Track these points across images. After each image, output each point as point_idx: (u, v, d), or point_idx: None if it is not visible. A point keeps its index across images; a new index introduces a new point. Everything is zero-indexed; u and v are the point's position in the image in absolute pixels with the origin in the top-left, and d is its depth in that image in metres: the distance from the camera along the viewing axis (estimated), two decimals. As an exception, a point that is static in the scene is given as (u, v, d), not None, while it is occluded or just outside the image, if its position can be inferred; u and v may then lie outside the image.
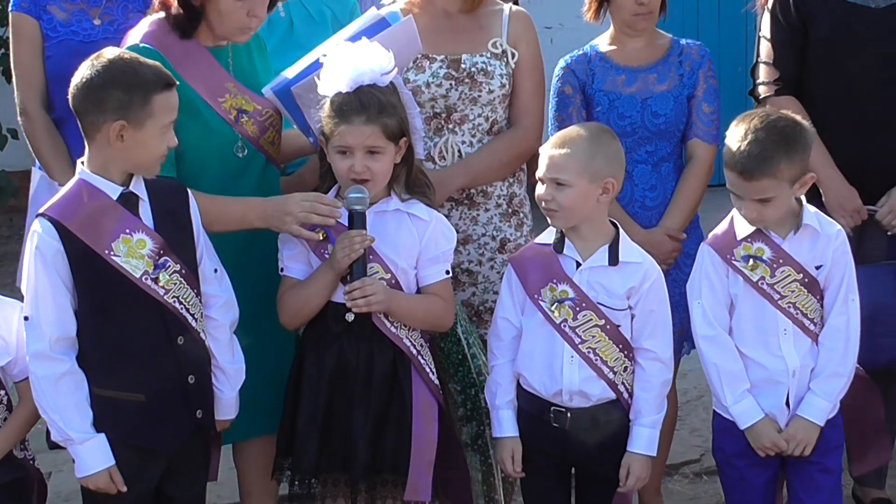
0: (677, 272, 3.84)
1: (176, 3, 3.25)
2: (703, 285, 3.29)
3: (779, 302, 3.22)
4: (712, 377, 3.29)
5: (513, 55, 3.67)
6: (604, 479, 3.30)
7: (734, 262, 3.24)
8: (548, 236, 3.30)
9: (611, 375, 3.22)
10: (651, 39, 3.84)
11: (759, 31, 3.92)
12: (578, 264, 3.23)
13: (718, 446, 3.39)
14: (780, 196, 3.16)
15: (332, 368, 3.19)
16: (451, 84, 3.63)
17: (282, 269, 3.25)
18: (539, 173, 3.25)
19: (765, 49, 3.88)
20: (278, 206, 3.19)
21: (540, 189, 3.23)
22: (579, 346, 3.20)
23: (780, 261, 3.21)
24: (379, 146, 3.15)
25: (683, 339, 3.94)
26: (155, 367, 3.00)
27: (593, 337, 3.21)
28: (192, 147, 3.23)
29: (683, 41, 3.89)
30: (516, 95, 3.68)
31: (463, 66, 3.63)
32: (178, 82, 3.03)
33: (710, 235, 3.34)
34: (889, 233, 3.67)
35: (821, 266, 3.23)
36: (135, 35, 3.29)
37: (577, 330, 3.20)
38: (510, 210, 3.74)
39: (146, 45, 3.22)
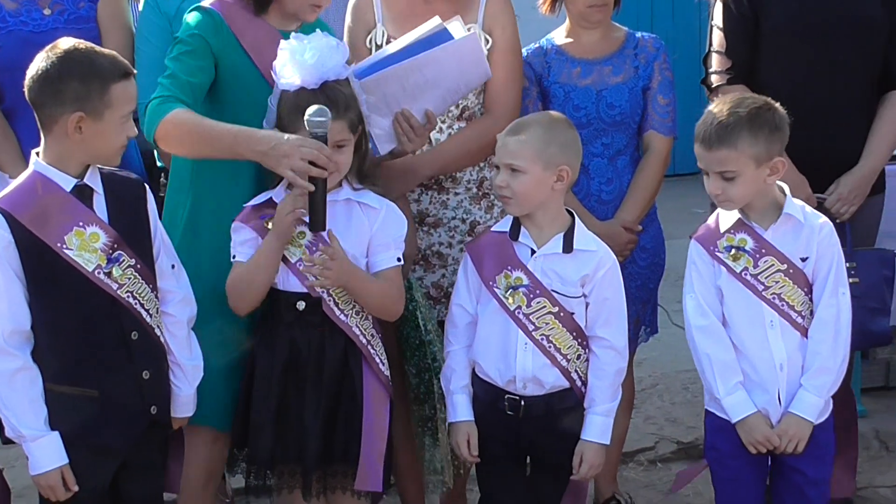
0: (633, 265, 3.86)
1: None
2: (693, 278, 3.28)
3: (763, 293, 3.19)
4: (704, 368, 3.26)
5: (487, 40, 3.62)
6: (558, 467, 3.31)
7: (717, 254, 3.23)
8: (505, 224, 3.31)
9: (564, 363, 3.24)
10: (606, 32, 3.85)
11: (712, 20, 3.94)
12: (533, 251, 3.24)
13: (711, 445, 3.34)
14: (743, 174, 3.14)
15: (285, 358, 3.18)
16: None
17: (233, 257, 3.23)
18: (495, 159, 3.26)
19: (717, 38, 3.89)
20: (274, 145, 3.04)
21: (495, 175, 3.25)
22: (533, 333, 3.21)
23: (763, 251, 3.19)
24: (345, 139, 3.16)
25: (640, 327, 3.97)
26: (109, 362, 2.97)
27: (547, 324, 3.22)
28: (243, 117, 3.20)
29: (639, 34, 3.91)
30: (490, 81, 3.61)
31: None
32: (135, 72, 3.01)
33: (697, 230, 3.32)
34: (837, 220, 3.71)
35: (806, 258, 3.20)
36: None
37: (530, 317, 3.21)
38: (480, 193, 3.71)
39: (211, 8, 3.25)
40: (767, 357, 3.20)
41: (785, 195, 3.25)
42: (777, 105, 3.23)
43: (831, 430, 3.28)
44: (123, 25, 3.80)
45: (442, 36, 3.38)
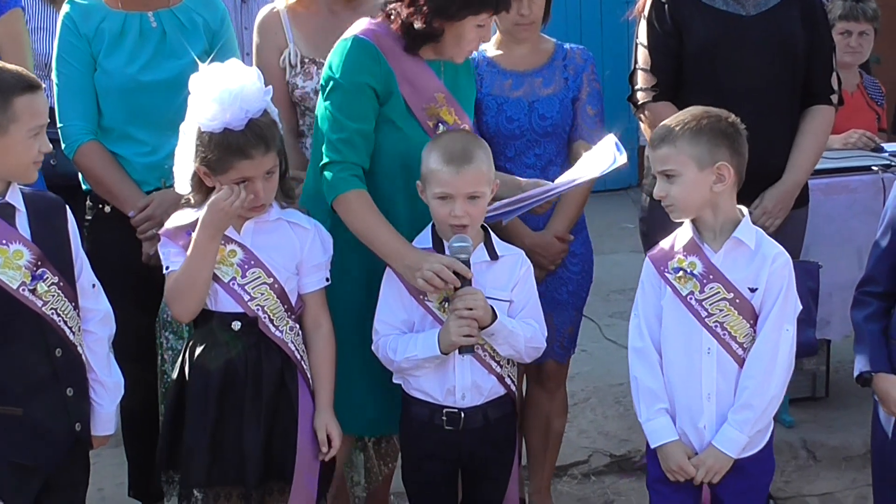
0: (564, 270, 3.90)
1: (420, 22, 3.23)
2: (639, 297, 3.28)
3: (706, 319, 3.14)
4: (633, 390, 3.26)
5: None
6: (493, 479, 3.33)
7: (666, 274, 3.20)
8: (422, 241, 3.30)
9: (498, 369, 3.26)
10: (536, 45, 3.89)
11: (637, 38, 3.98)
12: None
13: (648, 468, 3.31)
14: (684, 174, 3.12)
15: (220, 378, 3.16)
16: None
17: (167, 268, 3.21)
18: (444, 189, 3.20)
19: (642, 56, 3.94)
20: (415, 262, 3.18)
21: (454, 208, 3.20)
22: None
23: (711, 276, 3.14)
24: (273, 168, 3.15)
25: (575, 335, 4.01)
26: (33, 380, 2.95)
27: (483, 340, 3.23)
28: (390, 145, 3.28)
29: (567, 46, 3.96)
30: None
31: None
32: (43, 85, 2.99)
33: (654, 248, 3.30)
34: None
35: (756, 289, 3.14)
36: (355, 28, 3.32)
37: None
38: None
39: (364, 38, 3.26)
40: (696, 385, 3.17)
41: (742, 216, 3.21)
42: (734, 118, 3.22)
43: (767, 458, 3.23)
44: (22, 45, 3.82)
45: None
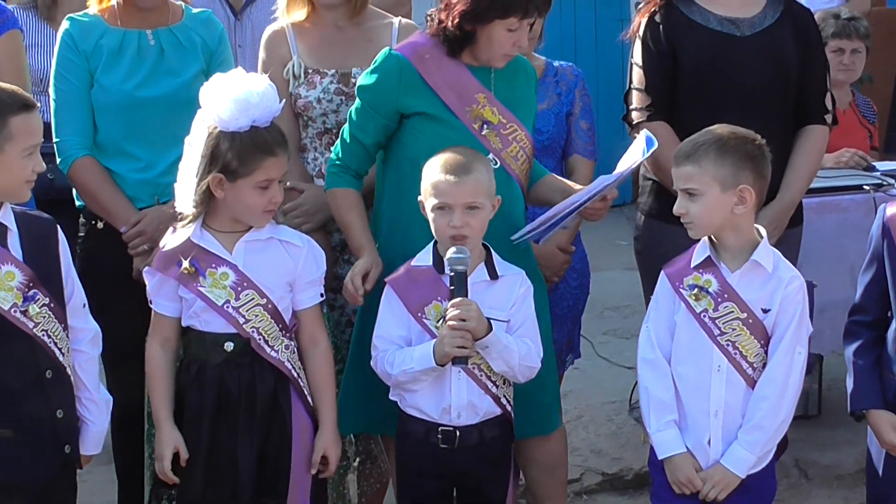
0: (564, 285, 3.92)
1: (451, 26, 3.32)
2: (652, 310, 3.29)
3: (718, 338, 3.16)
4: (643, 401, 3.27)
5: None
6: (487, 497, 3.33)
7: (681, 290, 3.21)
8: (422, 258, 3.31)
9: (494, 389, 3.27)
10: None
11: (632, 58, 4.00)
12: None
13: (653, 477, 3.34)
14: (706, 194, 3.13)
15: (214, 399, 3.16)
16: (341, 99, 3.64)
17: (150, 302, 3.21)
18: (443, 200, 3.23)
19: (637, 76, 3.95)
20: (357, 265, 3.37)
21: (453, 219, 3.21)
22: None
23: (726, 296, 3.16)
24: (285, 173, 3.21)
25: (569, 350, 4.01)
26: (24, 401, 2.94)
27: (477, 352, 3.23)
28: (438, 145, 3.32)
29: (556, 63, 4.02)
30: None
31: (353, 80, 3.63)
32: (38, 104, 2.99)
33: (671, 262, 3.31)
34: None
35: (769, 310, 3.15)
36: (401, 43, 3.48)
37: None
38: None
39: (398, 53, 3.40)
40: (704, 401, 3.19)
41: (761, 238, 3.22)
42: (760, 140, 3.22)
43: (770, 475, 3.26)
44: (21, 65, 3.82)
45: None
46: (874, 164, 5.04)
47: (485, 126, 3.41)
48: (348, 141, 3.43)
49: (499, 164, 3.40)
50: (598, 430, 5.00)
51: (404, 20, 3.80)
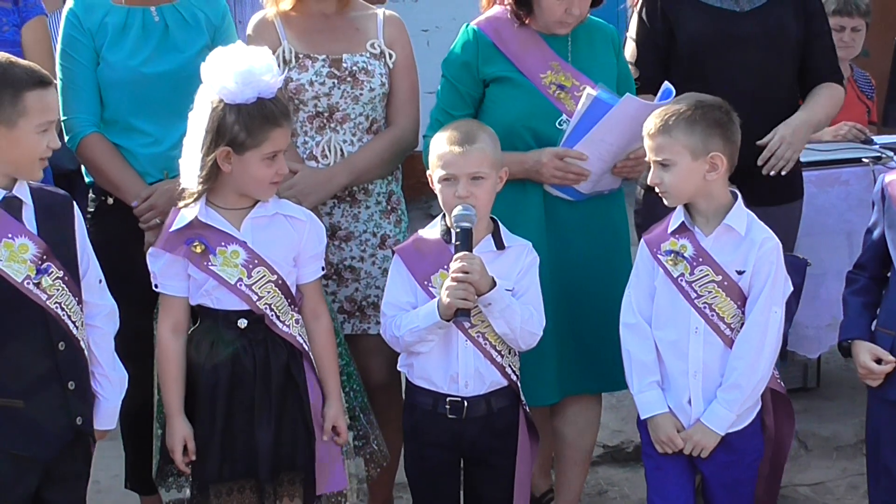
0: None
1: None
2: (633, 276, 3.37)
3: (695, 300, 3.23)
4: (626, 364, 3.34)
5: (390, 56, 3.75)
6: (495, 467, 3.37)
7: (659, 256, 3.29)
8: (430, 231, 3.36)
9: (499, 359, 3.31)
10: None
11: (627, 31, 4.04)
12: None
13: (641, 438, 3.42)
14: (678, 164, 3.19)
15: (228, 376, 3.18)
16: (333, 83, 3.68)
17: (156, 286, 3.23)
18: (449, 170, 3.28)
19: (630, 49, 3.99)
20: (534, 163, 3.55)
21: (458, 188, 3.26)
22: (470, 331, 3.27)
23: (700, 259, 3.23)
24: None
25: None
26: (36, 372, 2.97)
27: (482, 321, 3.28)
28: (520, 118, 3.57)
29: None
30: (394, 95, 3.77)
31: (344, 65, 3.69)
32: (55, 81, 2.99)
33: (650, 229, 3.40)
34: (783, 171, 3.83)
35: (743, 271, 3.22)
36: (479, 17, 3.69)
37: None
38: (389, 207, 3.82)
39: (475, 27, 3.64)
40: (683, 363, 3.27)
41: (735, 201, 3.28)
42: (727, 106, 3.27)
43: (753, 435, 3.32)
44: (48, 50, 3.86)
45: (598, 106, 3.50)
46: (872, 137, 5.07)
47: (559, 90, 3.56)
48: (441, 119, 3.57)
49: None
50: (600, 402, 5.03)
51: (388, 11, 3.85)
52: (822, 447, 4.67)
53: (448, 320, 3.21)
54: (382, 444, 3.64)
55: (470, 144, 3.25)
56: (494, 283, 3.20)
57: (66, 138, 3.69)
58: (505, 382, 3.34)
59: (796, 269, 3.84)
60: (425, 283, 3.30)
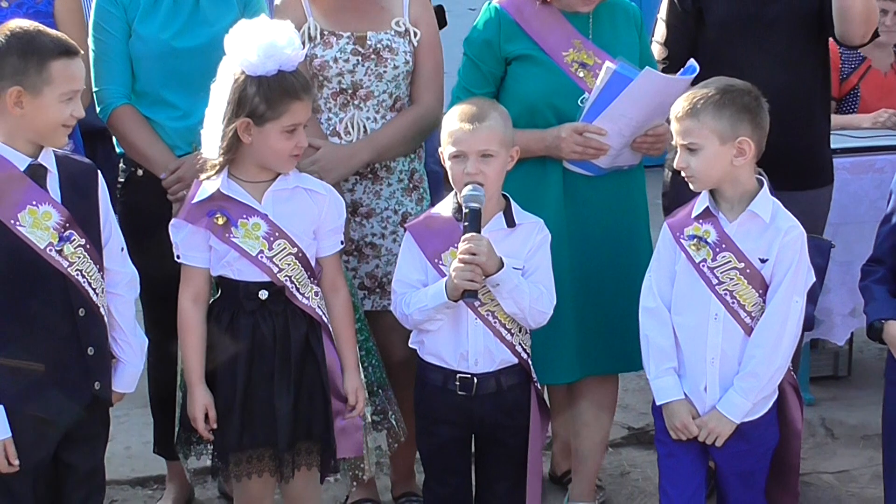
0: None
1: None
2: (654, 260, 3.35)
3: (716, 287, 3.20)
4: (643, 348, 3.33)
5: (415, 34, 3.77)
6: (505, 444, 3.39)
7: (682, 240, 3.26)
8: (442, 208, 3.37)
9: (509, 337, 3.32)
10: None
11: (659, 13, 4.05)
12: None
13: (655, 423, 3.40)
14: (706, 148, 3.16)
15: (248, 347, 3.22)
16: (357, 60, 3.71)
17: (178, 256, 3.26)
18: (458, 147, 3.28)
19: (660, 30, 4.01)
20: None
21: (467, 166, 3.26)
22: (479, 310, 3.29)
23: (724, 245, 3.20)
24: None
25: None
26: (56, 337, 3.02)
27: (492, 300, 3.29)
28: (542, 96, 3.60)
29: None
30: (418, 73, 3.79)
31: (369, 42, 3.72)
32: (81, 52, 3.05)
33: (674, 213, 3.38)
34: None
35: (766, 260, 3.19)
36: None
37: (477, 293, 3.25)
38: (411, 185, 3.85)
39: (497, 5, 3.66)
40: (701, 349, 3.24)
41: (761, 188, 3.25)
42: (756, 91, 3.24)
43: (768, 425, 3.29)
44: (80, 21, 3.87)
45: (618, 80, 3.51)
46: (913, 125, 5.01)
47: (581, 67, 3.58)
48: (462, 97, 3.57)
49: None
50: (626, 385, 5.00)
51: None
52: (848, 435, 4.65)
53: (456, 301, 3.23)
54: (400, 420, 3.68)
55: (480, 122, 3.26)
56: (503, 264, 3.22)
57: (97, 108, 3.75)
58: (515, 360, 3.35)
59: (820, 251, 3.81)
60: (436, 260, 3.32)
